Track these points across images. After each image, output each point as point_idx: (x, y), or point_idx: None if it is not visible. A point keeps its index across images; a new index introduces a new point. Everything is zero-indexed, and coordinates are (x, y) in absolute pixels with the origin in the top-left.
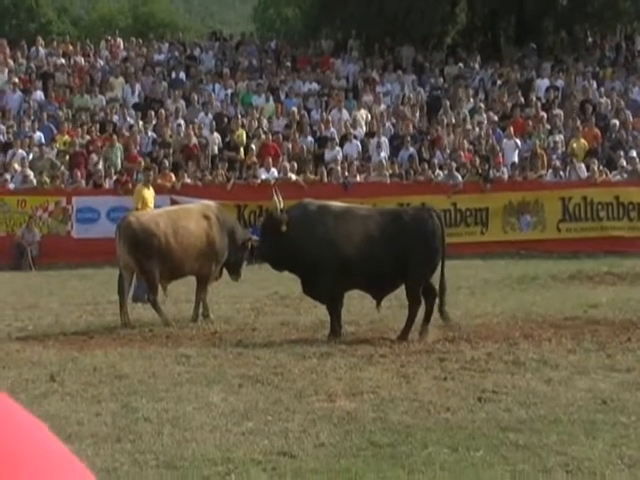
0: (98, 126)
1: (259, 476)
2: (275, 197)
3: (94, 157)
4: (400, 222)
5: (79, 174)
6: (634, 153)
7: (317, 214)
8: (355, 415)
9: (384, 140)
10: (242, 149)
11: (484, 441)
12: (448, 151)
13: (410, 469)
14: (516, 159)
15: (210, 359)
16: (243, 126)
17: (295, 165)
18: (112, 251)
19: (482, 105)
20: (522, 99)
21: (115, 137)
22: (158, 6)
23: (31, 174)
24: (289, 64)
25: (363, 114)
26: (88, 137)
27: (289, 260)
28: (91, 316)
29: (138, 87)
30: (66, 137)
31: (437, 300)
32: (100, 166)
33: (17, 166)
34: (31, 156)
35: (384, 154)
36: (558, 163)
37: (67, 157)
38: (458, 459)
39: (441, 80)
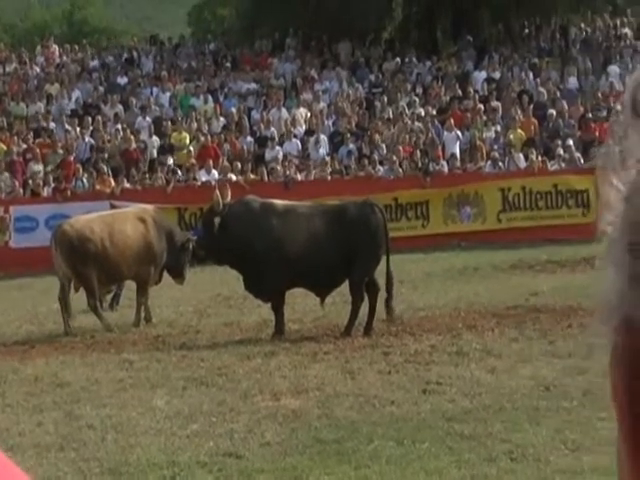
0: (33, 134)
1: (205, 478)
2: (217, 192)
3: (32, 165)
4: (343, 217)
5: (16, 183)
6: (571, 142)
7: (260, 211)
8: (300, 413)
9: (324, 137)
10: (182, 152)
11: (430, 433)
12: (384, 146)
13: (357, 464)
14: (457, 151)
15: (154, 363)
16: (180, 129)
17: (238, 165)
18: (51, 259)
19: (420, 99)
20: (460, 92)
21: (57, 143)
22: (93, 11)
23: None
24: (228, 65)
25: (302, 112)
26: (24, 145)
27: (231, 255)
28: (32, 325)
29: (74, 93)
30: (1, 145)
31: (385, 294)
32: (39, 174)
33: None
34: None
35: (324, 151)
36: (497, 154)
37: (3, 166)
38: (404, 452)
39: (379, 75)
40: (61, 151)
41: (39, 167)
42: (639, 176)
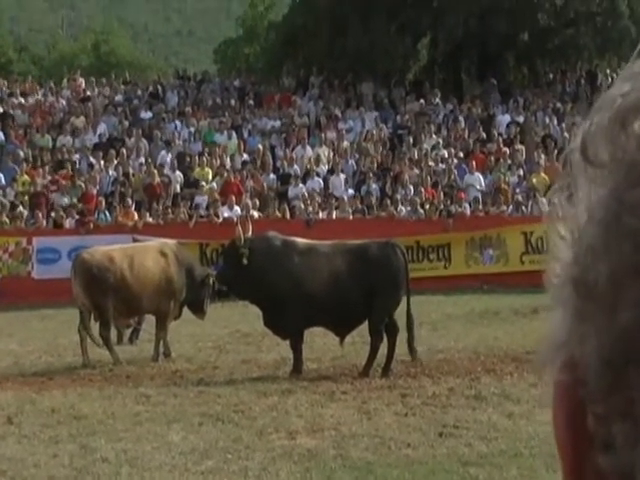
0: (55, 166)
1: None
2: (238, 227)
3: (55, 197)
4: (364, 257)
5: (40, 214)
6: None
7: (281, 248)
8: (316, 452)
9: (347, 176)
10: (205, 187)
11: (445, 476)
12: (411, 187)
13: None
14: (479, 194)
15: (170, 398)
16: (203, 164)
17: (257, 202)
18: (72, 291)
19: (443, 141)
20: (484, 134)
21: (78, 176)
22: (120, 44)
23: None
24: (252, 102)
25: (325, 151)
26: (49, 177)
27: (250, 290)
28: (51, 357)
29: (99, 127)
30: (25, 177)
31: (406, 335)
32: (62, 206)
33: None
34: None
35: (352, 191)
36: (521, 198)
37: (27, 197)
38: None
39: (404, 116)
40: (82, 184)
41: (62, 199)
42: (587, 225)
